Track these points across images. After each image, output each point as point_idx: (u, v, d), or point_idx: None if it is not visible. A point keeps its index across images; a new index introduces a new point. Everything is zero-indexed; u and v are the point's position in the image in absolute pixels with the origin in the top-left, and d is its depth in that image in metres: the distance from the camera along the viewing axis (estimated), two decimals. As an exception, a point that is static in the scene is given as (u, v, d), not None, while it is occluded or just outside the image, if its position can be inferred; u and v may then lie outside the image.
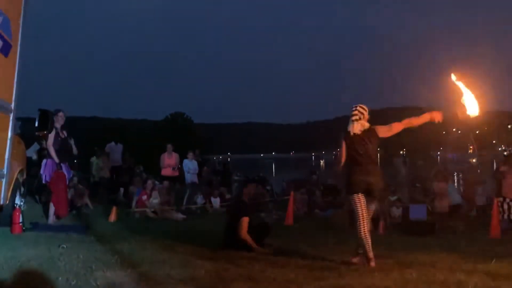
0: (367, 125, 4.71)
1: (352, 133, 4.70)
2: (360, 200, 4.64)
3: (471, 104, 4.76)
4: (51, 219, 6.80)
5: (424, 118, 4.77)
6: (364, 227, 4.59)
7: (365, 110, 4.74)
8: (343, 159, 4.79)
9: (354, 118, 4.72)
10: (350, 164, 4.77)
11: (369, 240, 4.58)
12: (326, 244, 5.98)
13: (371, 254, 4.53)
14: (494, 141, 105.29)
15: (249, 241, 5.38)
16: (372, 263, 4.49)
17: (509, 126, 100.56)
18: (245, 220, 5.47)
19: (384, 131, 4.74)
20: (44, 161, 6.85)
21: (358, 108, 4.73)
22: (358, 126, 4.69)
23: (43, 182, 6.89)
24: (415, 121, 4.82)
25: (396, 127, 4.77)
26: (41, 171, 6.80)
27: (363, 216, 4.62)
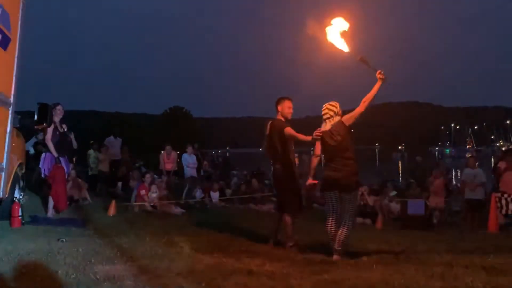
0: (336, 119, 4.76)
1: (324, 130, 4.80)
2: (330, 197, 4.80)
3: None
4: (50, 212, 6.81)
5: (375, 86, 4.66)
6: (330, 223, 4.77)
7: (335, 107, 4.81)
8: (316, 154, 4.91)
9: (325, 117, 4.82)
10: (325, 160, 4.88)
11: (333, 235, 4.74)
12: (324, 238, 6.00)
13: (335, 247, 4.71)
14: (492, 137, 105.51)
15: (303, 139, 5.23)
16: (335, 256, 4.64)
17: (507, 122, 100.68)
18: (288, 129, 5.26)
19: (347, 118, 4.74)
20: (43, 154, 6.84)
21: (327, 106, 4.82)
22: (328, 124, 4.78)
23: (42, 175, 6.89)
24: (370, 93, 4.68)
25: (357, 109, 4.71)
26: (40, 165, 6.79)
27: (331, 213, 4.80)
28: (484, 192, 10.34)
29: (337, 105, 4.81)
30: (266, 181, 12.95)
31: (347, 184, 4.69)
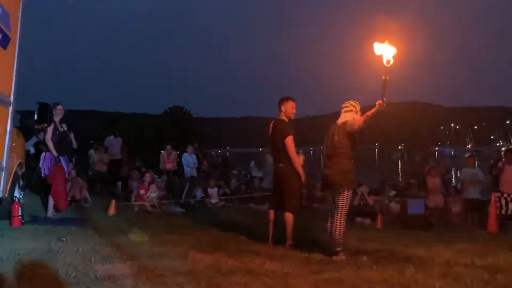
0: (349, 116, 4.72)
1: (334, 124, 4.83)
2: (328, 197, 4.88)
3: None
4: (50, 212, 6.81)
5: (372, 111, 4.37)
6: (330, 222, 4.80)
7: (356, 106, 4.78)
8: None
9: (344, 109, 4.79)
10: (325, 160, 4.91)
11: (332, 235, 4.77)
12: (324, 238, 6.00)
13: (334, 247, 4.74)
14: (492, 137, 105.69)
15: (296, 162, 5.24)
16: (335, 256, 4.65)
17: (507, 122, 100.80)
18: (290, 139, 5.23)
19: (349, 125, 4.67)
20: (43, 154, 6.85)
21: (350, 101, 4.82)
22: (343, 117, 4.76)
23: (42, 175, 6.90)
24: (367, 115, 4.44)
25: (357, 123, 4.59)
26: (40, 164, 6.79)
27: (330, 213, 4.85)
28: (486, 191, 10.35)
29: (357, 105, 4.80)
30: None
31: (335, 181, 4.70)
